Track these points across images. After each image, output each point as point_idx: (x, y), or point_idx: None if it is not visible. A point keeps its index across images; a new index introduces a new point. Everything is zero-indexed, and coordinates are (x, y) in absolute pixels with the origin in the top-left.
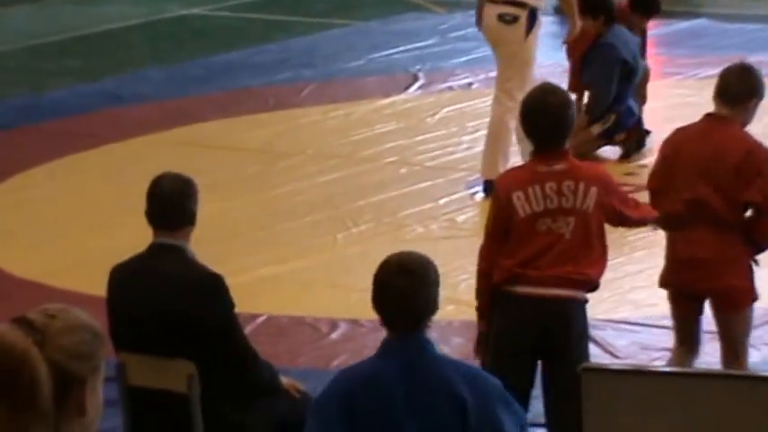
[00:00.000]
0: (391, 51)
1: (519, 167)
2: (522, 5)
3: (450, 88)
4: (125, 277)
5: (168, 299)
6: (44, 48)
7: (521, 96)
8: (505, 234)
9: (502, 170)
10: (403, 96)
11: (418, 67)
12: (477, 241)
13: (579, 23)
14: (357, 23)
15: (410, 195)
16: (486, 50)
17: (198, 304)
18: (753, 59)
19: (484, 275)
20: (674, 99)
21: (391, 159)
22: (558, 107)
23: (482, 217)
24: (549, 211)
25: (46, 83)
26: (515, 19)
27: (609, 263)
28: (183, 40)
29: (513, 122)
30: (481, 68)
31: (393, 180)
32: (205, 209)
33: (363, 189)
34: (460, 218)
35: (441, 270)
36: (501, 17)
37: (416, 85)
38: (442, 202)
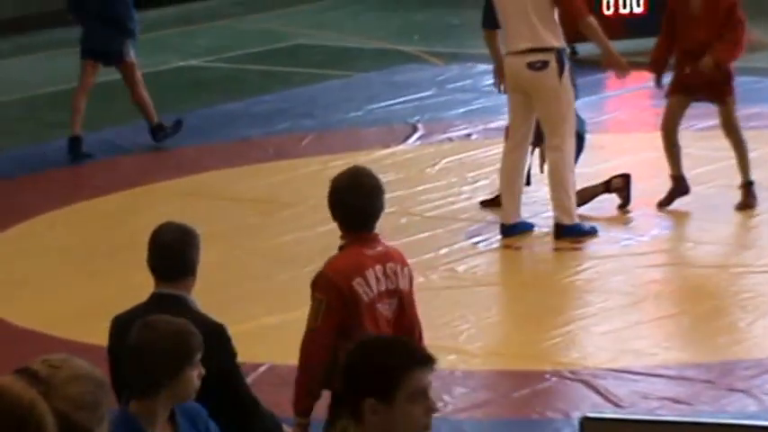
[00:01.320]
0: (390, 102)
1: (344, 255)
2: (549, 50)
3: (450, 139)
4: (127, 327)
5: None
6: (44, 98)
7: (572, 135)
8: (344, 327)
9: (575, 212)
10: (402, 147)
11: (417, 117)
12: (479, 291)
13: (612, 48)
14: (356, 74)
15: (410, 245)
16: (485, 101)
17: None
18: (749, 111)
19: (323, 368)
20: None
21: (391, 210)
22: (374, 189)
23: (486, 267)
24: (381, 294)
25: (46, 133)
26: (545, 64)
27: (609, 311)
28: (182, 91)
29: (573, 164)
30: (480, 119)
31: (393, 230)
32: (206, 258)
33: None
34: (461, 268)
35: (442, 320)
36: (531, 65)
37: (416, 135)
38: (442, 251)
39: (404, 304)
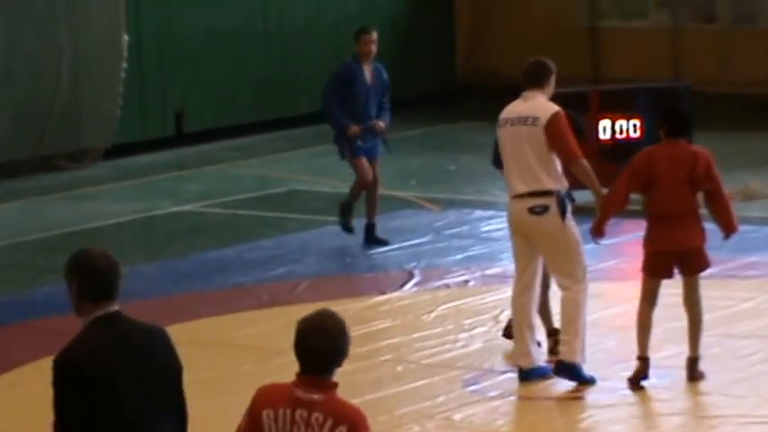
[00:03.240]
0: (386, 248)
1: (281, 385)
2: (548, 193)
3: (447, 286)
4: (86, 359)
5: (160, 352)
6: (33, 244)
7: (585, 276)
8: None
9: (582, 353)
10: (398, 293)
11: (414, 264)
12: None
13: (601, 193)
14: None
15: (406, 393)
16: (482, 248)
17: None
18: (746, 261)
19: None
20: (669, 299)
21: (387, 357)
22: (337, 333)
23: (483, 416)
24: None
25: (36, 279)
26: (545, 209)
27: None
28: (175, 236)
29: (585, 306)
30: (477, 266)
31: (389, 378)
32: (199, 406)
33: (359, 387)
34: (458, 416)
35: None
36: (531, 210)
37: (412, 282)
38: (439, 400)
39: None
